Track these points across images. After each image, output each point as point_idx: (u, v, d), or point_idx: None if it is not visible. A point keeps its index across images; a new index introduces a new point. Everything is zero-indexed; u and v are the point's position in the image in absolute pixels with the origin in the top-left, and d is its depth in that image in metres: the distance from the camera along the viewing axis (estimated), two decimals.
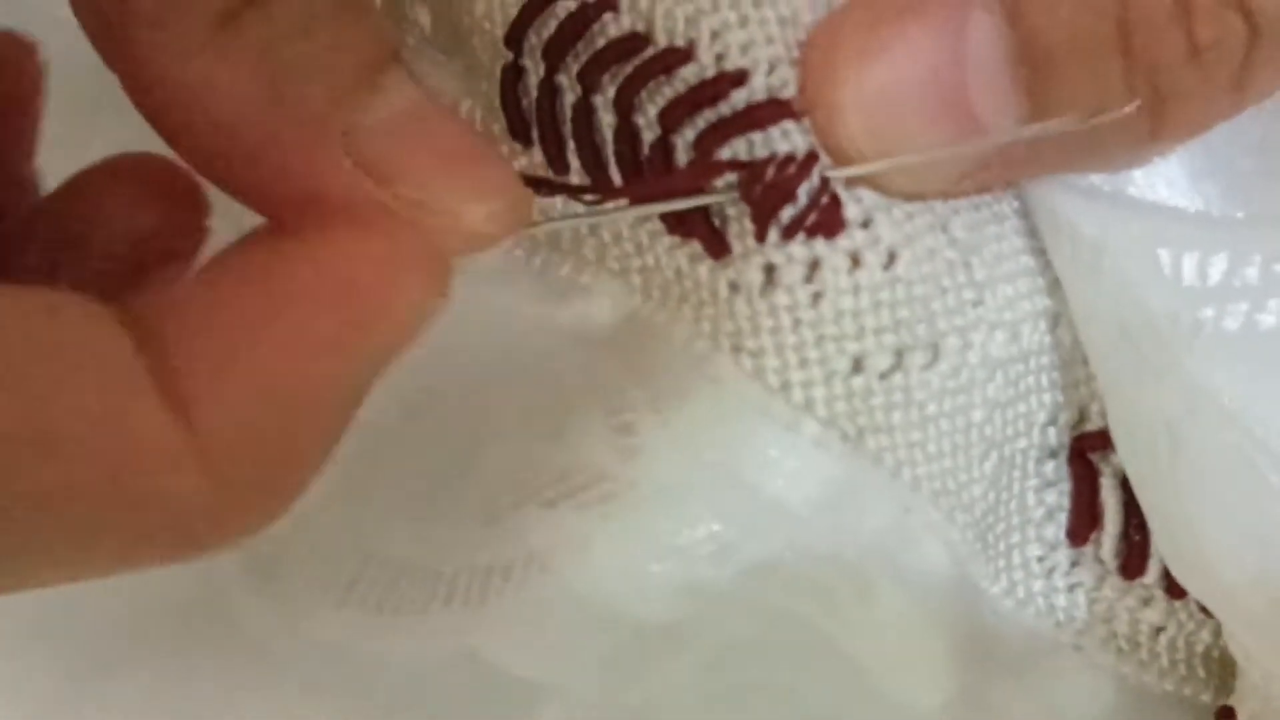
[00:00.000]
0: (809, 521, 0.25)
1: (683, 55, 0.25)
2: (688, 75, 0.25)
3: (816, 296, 0.25)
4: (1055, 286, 0.27)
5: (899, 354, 0.25)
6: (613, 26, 0.26)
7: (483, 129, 0.28)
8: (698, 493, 0.25)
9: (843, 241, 0.25)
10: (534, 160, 0.27)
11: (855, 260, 0.25)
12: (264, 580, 0.27)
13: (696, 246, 0.25)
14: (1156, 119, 0.25)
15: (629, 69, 0.26)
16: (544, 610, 0.26)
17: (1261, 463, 0.26)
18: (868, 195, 0.25)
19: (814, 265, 0.25)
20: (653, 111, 0.26)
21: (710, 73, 0.25)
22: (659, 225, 0.26)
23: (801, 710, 0.29)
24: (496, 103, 0.27)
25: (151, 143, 0.20)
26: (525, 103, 0.27)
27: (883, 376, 0.25)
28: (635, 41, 0.26)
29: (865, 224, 0.25)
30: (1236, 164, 0.27)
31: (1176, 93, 0.24)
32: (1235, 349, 0.26)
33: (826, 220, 0.25)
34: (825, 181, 0.25)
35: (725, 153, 0.25)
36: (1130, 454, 0.27)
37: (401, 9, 0.29)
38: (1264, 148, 0.27)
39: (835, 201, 0.25)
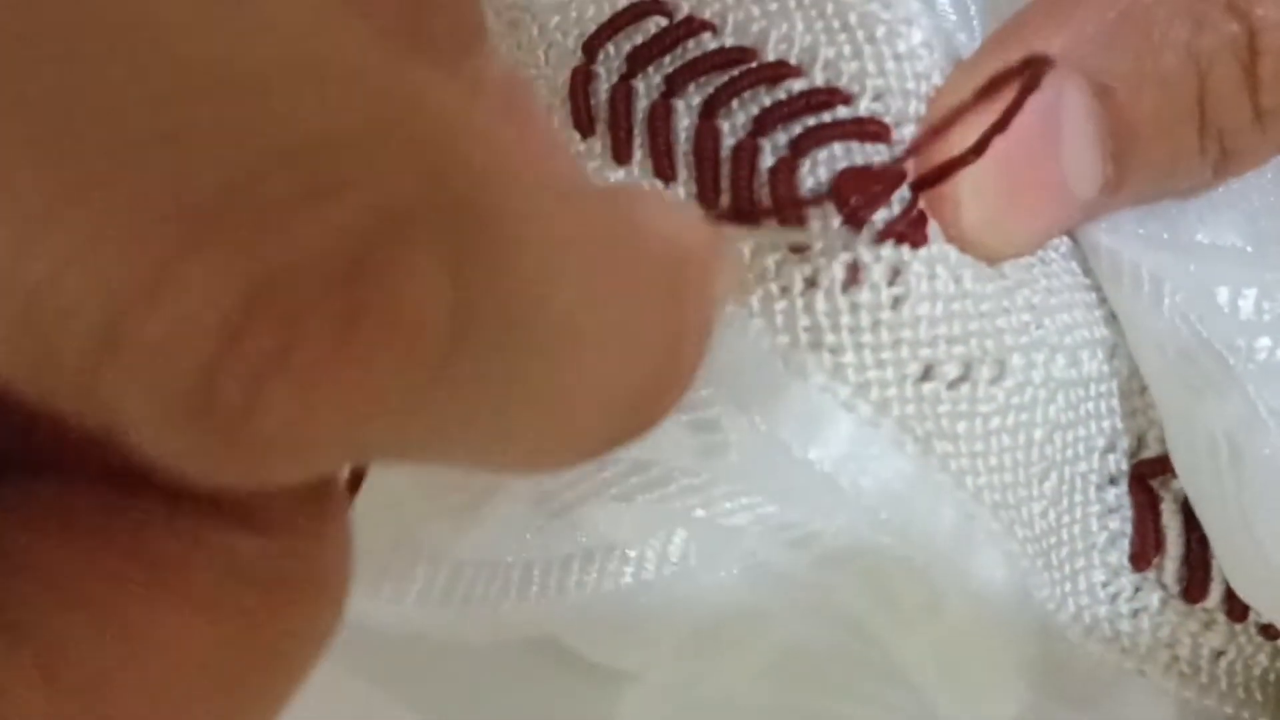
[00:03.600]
0: (883, 520, 0.26)
1: (794, 70, 0.27)
2: (793, 88, 0.27)
3: (898, 299, 0.26)
4: (1111, 320, 0.29)
5: (967, 365, 0.27)
6: (711, 43, 0.28)
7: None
8: (778, 483, 0.26)
9: (923, 252, 0.26)
10: (594, 149, 0.28)
11: (932, 271, 0.26)
12: None
13: (763, 238, 0.26)
14: (1220, 168, 0.28)
15: (725, 77, 0.27)
16: (625, 600, 0.27)
17: None
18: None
19: (897, 269, 0.26)
20: (743, 117, 0.27)
21: (822, 87, 0.27)
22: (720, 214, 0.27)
23: None
24: (555, 101, 0.29)
25: None
26: (594, 101, 0.28)
27: (951, 385, 0.26)
28: (741, 54, 0.27)
29: (935, 243, 0.27)
30: None
31: (1240, 148, 0.27)
32: None
33: (915, 231, 0.26)
34: (917, 195, 0.26)
35: (821, 156, 0.26)
36: (1190, 470, 0.28)
37: None
38: None
39: (923, 215, 0.26)
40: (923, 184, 0.26)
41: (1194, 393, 0.28)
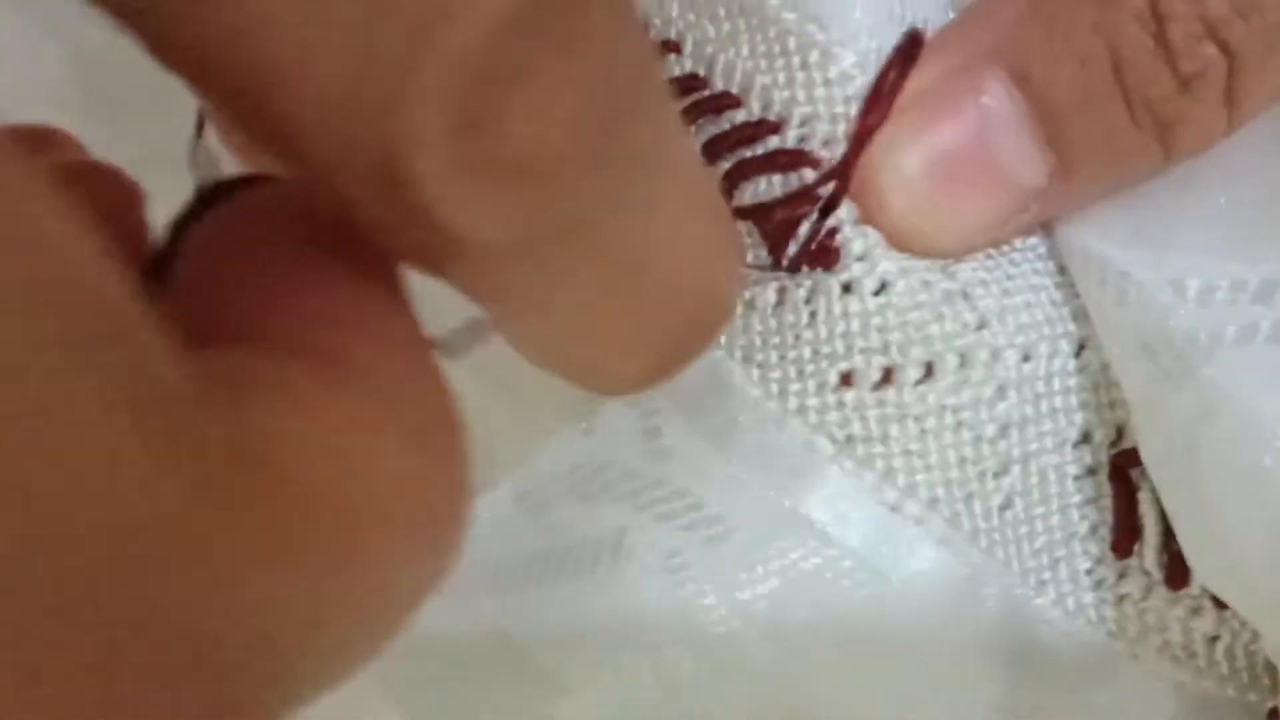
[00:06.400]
0: (803, 517, 0.28)
1: (734, 100, 0.29)
2: (734, 118, 0.29)
3: (813, 316, 0.28)
4: (1080, 315, 0.30)
5: (887, 371, 0.28)
6: (675, 67, 0.30)
7: None
8: (707, 484, 0.28)
9: (839, 273, 0.28)
10: None
11: (847, 288, 0.28)
12: None
13: None
14: (1166, 144, 0.28)
15: (683, 104, 0.30)
16: (581, 605, 0.29)
17: (1268, 462, 0.27)
18: (872, 231, 0.29)
19: (813, 290, 0.28)
20: (695, 145, 0.29)
21: (755, 118, 0.29)
22: None
23: None
24: None
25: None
26: None
27: (874, 389, 0.28)
28: (694, 82, 0.30)
29: (862, 257, 0.28)
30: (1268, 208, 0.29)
31: (1177, 119, 0.27)
32: (1250, 361, 0.28)
33: (822, 255, 0.28)
34: (822, 221, 0.28)
35: (749, 188, 0.29)
36: (1154, 460, 0.29)
37: None
38: None
39: (830, 237, 0.28)
40: (830, 203, 0.28)
41: (1155, 381, 0.28)
